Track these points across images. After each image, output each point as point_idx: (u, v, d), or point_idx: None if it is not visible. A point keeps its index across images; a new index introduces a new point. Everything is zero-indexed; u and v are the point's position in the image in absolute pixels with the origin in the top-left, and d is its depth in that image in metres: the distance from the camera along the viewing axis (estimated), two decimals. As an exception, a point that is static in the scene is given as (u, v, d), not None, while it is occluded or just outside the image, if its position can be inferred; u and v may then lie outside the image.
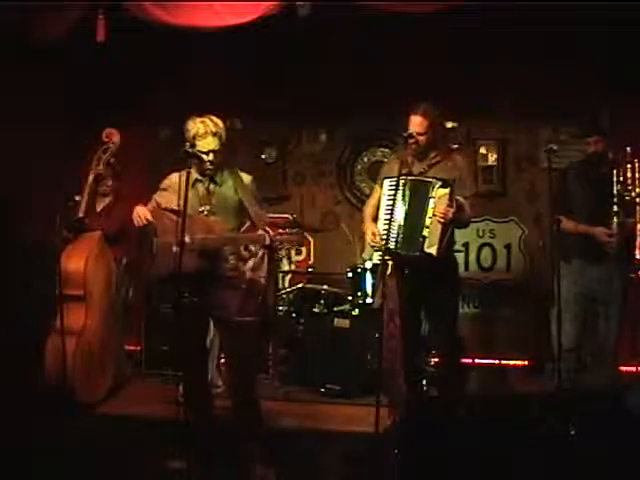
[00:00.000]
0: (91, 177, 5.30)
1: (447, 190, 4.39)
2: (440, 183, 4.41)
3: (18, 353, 5.06)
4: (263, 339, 5.44)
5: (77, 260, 5.09)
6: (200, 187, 4.15)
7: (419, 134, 4.48)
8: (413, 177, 4.52)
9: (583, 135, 4.89)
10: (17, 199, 5.94)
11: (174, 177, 4.16)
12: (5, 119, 5.57)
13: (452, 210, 4.37)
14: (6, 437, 4.25)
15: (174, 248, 3.81)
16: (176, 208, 3.91)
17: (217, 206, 4.12)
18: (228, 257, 4.07)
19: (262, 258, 4.13)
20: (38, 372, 4.89)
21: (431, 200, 4.40)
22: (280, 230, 3.96)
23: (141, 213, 4.04)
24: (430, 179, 4.46)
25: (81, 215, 5.20)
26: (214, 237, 4.00)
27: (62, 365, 4.74)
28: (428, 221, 4.40)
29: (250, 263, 4.11)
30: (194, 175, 4.09)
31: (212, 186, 4.15)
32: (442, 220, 4.36)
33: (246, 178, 4.22)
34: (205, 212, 4.11)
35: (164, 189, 4.23)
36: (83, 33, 4.93)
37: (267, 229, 3.95)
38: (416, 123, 4.49)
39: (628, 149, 4.58)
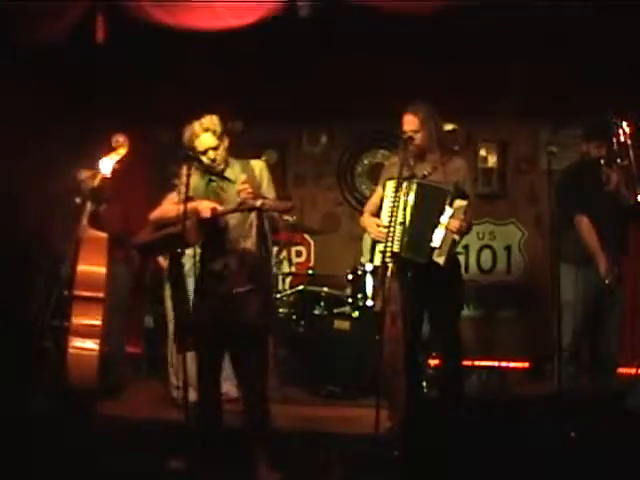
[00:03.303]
0: (98, 181, 5.28)
1: (464, 203, 4.32)
2: (456, 193, 4.33)
3: (25, 355, 5.05)
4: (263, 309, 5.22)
5: (98, 262, 5.04)
6: (215, 186, 4.14)
7: (413, 132, 4.44)
8: (426, 181, 4.44)
9: (584, 138, 4.83)
10: (18, 200, 5.94)
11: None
12: (5, 119, 5.57)
13: (465, 225, 4.32)
14: (10, 438, 4.25)
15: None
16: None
17: (230, 203, 4.06)
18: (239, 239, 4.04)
19: (250, 225, 4.09)
20: (60, 375, 4.86)
21: (447, 210, 4.31)
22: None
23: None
24: (447, 187, 4.36)
25: (85, 220, 5.19)
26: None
27: (87, 368, 4.77)
28: (441, 232, 4.31)
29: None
30: (207, 175, 4.10)
31: (225, 184, 4.14)
32: (456, 235, 4.31)
33: (257, 166, 4.14)
34: None
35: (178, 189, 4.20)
36: (82, 33, 4.92)
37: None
38: (408, 121, 4.47)
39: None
